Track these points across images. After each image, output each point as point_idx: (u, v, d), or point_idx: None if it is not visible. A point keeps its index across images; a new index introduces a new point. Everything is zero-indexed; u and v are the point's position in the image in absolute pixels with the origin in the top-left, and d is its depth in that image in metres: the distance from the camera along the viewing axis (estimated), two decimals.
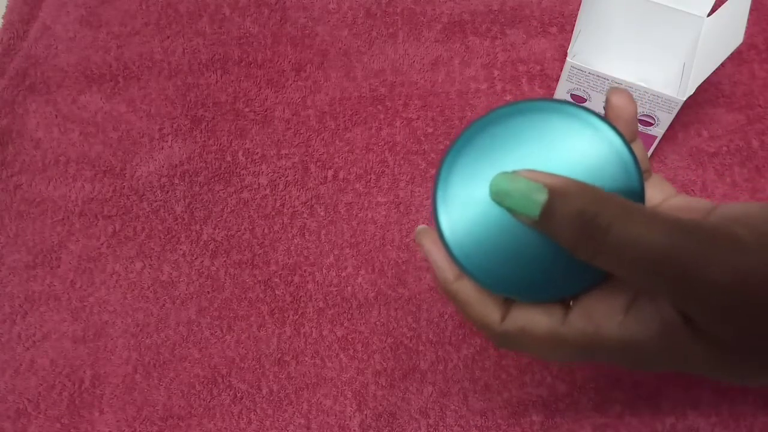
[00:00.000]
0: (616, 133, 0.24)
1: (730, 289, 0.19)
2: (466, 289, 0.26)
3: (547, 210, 0.22)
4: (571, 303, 0.25)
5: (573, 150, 0.24)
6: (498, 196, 0.23)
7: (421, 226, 0.28)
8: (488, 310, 0.25)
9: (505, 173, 0.23)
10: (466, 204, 0.25)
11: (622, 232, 0.20)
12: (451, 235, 0.25)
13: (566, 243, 0.22)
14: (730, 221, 0.22)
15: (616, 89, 0.26)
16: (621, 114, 0.26)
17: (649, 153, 0.43)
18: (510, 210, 0.23)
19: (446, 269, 0.26)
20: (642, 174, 0.24)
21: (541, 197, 0.22)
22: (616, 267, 0.21)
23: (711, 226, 0.20)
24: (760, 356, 0.21)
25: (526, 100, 0.25)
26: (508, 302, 0.26)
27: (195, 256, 0.44)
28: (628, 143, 0.24)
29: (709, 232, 0.20)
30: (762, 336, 0.20)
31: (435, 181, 0.25)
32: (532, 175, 0.23)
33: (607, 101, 0.26)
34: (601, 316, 0.23)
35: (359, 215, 0.44)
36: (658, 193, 0.27)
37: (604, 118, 0.24)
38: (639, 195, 0.23)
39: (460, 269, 0.25)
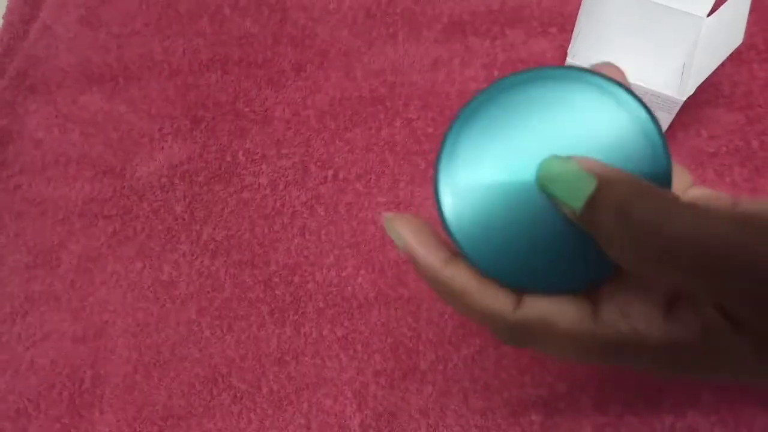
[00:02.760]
0: (642, 106, 0.22)
1: None
2: (464, 272, 0.22)
3: (592, 202, 0.19)
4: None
5: (594, 125, 0.22)
6: (544, 181, 0.21)
7: (388, 214, 0.24)
8: (495, 296, 0.22)
9: (557, 157, 0.21)
10: (474, 183, 0.22)
11: (675, 228, 0.18)
12: (455, 219, 0.22)
13: (609, 242, 0.19)
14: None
15: (599, 64, 0.24)
16: None
17: None
18: (553, 198, 0.21)
19: (430, 254, 0.22)
20: (669, 154, 0.22)
21: (589, 187, 0.19)
22: (661, 268, 0.18)
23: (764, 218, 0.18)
24: None
25: (541, 67, 0.22)
26: (518, 288, 0.22)
27: (195, 256, 0.44)
28: (655, 119, 0.22)
29: (763, 224, 0.18)
30: None
31: (438, 157, 0.22)
32: (583, 161, 0.20)
33: None
34: (638, 315, 0.21)
35: (359, 215, 0.44)
36: (676, 181, 0.25)
37: (629, 89, 0.22)
38: (666, 176, 0.21)
39: (464, 257, 0.22)
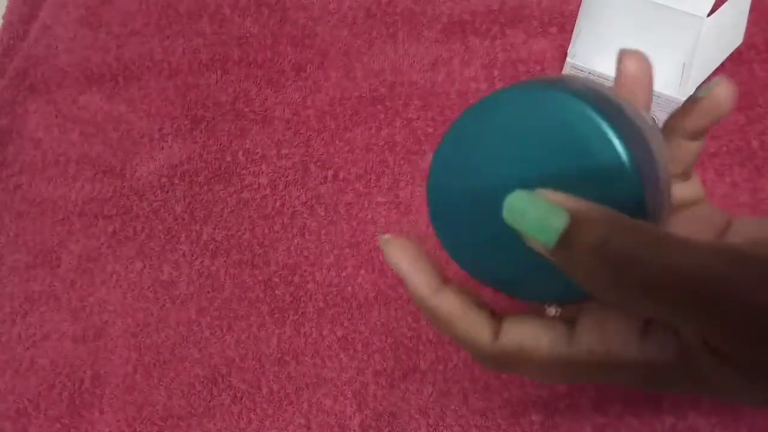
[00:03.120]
0: (617, 138, 0.21)
1: None
2: (449, 303, 0.23)
3: (566, 237, 0.19)
4: (555, 312, 0.23)
5: (570, 150, 0.21)
6: (512, 217, 0.20)
7: (384, 236, 0.25)
8: (477, 325, 0.23)
9: (523, 192, 0.20)
10: (461, 193, 0.23)
11: (654, 263, 0.17)
12: (441, 222, 0.23)
13: (584, 277, 0.19)
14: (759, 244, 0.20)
15: (628, 52, 0.23)
16: (636, 86, 0.23)
17: None
18: (522, 235, 0.20)
19: (421, 282, 0.23)
20: (644, 181, 0.20)
21: (560, 223, 0.19)
22: (640, 302, 0.18)
23: (754, 252, 0.18)
24: None
25: (523, 85, 0.22)
26: (498, 317, 0.23)
27: (195, 256, 0.44)
28: (626, 143, 0.20)
29: (753, 258, 0.18)
30: None
31: (431, 164, 0.24)
32: (552, 196, 0.19)
33: (619, 69, 0.23)
34: (613, 336, 0.21)
35: (359, 215, 0.44)
36: (688, 191, 0.25)
37: (596, 106, 0.21)
38: (637, 199, 0.20)
39: (454, 279, 0.23)
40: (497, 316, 0.23)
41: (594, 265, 0.18)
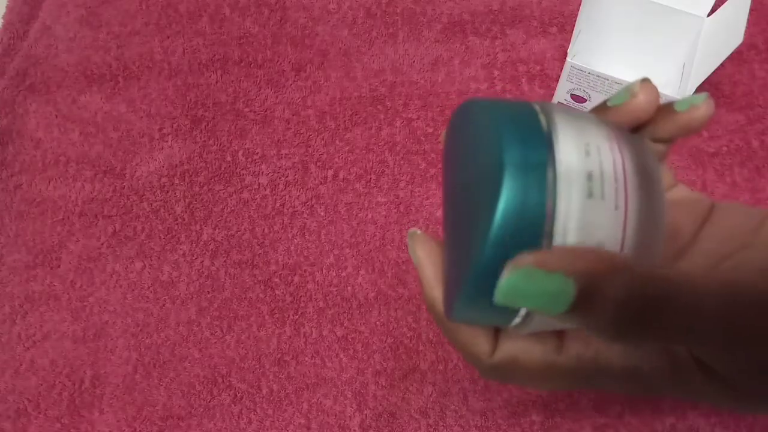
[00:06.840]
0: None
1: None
2: None
3: (577, 303, 0.17)
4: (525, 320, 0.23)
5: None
6: (511, 301, 0.17)
7: (413, 230, 0.25)
8: (478, 339, 0.23)
9: (516, 272, 0.17)
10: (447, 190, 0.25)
11: (675, 307, 0.17)
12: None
13: (597, 330, 0.18)
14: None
15: (644, 83, 0.21)
16: (640, 115, 0.22)
17: None
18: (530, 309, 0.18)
19: (437, 287, 0.23)
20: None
21: (569, 292, 0.17)
22: (663, 341, 0.18)
23: (754, 286, 0.18)
24: None
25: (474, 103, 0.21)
26: (497, 332, 0.24)
27: (195, 256, 0.44)
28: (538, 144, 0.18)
29: (757, 294, 0.18)
30: None
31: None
32: (550, 261, 0.17)
33: (632, 92, 0.22)
34: (599, 343, 0.22)
35: (359, 215, 0.44)
36: None
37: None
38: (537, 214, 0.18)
39: None
40: (497, 332, 0.24)
41: (609, 320, 0.17)
